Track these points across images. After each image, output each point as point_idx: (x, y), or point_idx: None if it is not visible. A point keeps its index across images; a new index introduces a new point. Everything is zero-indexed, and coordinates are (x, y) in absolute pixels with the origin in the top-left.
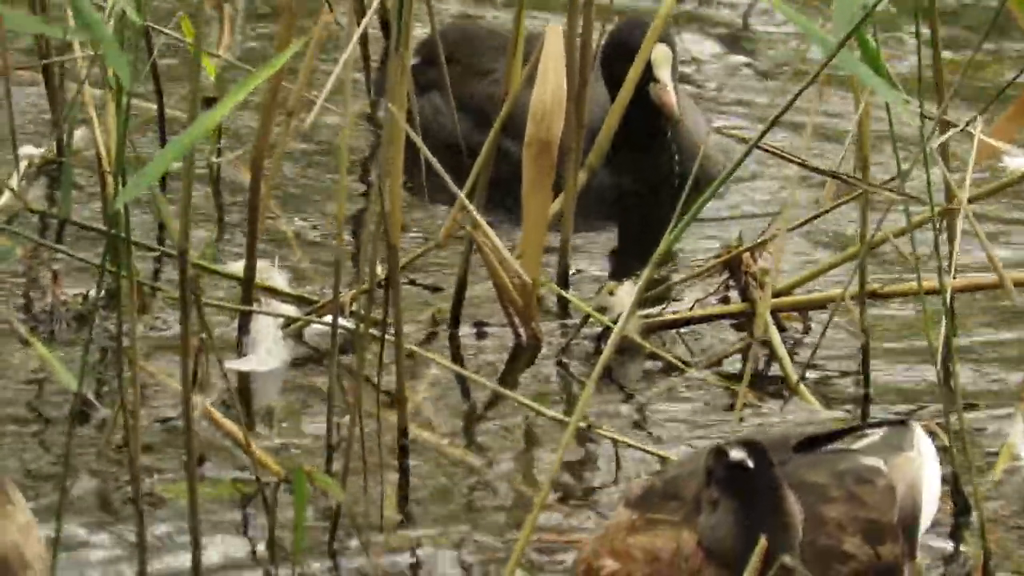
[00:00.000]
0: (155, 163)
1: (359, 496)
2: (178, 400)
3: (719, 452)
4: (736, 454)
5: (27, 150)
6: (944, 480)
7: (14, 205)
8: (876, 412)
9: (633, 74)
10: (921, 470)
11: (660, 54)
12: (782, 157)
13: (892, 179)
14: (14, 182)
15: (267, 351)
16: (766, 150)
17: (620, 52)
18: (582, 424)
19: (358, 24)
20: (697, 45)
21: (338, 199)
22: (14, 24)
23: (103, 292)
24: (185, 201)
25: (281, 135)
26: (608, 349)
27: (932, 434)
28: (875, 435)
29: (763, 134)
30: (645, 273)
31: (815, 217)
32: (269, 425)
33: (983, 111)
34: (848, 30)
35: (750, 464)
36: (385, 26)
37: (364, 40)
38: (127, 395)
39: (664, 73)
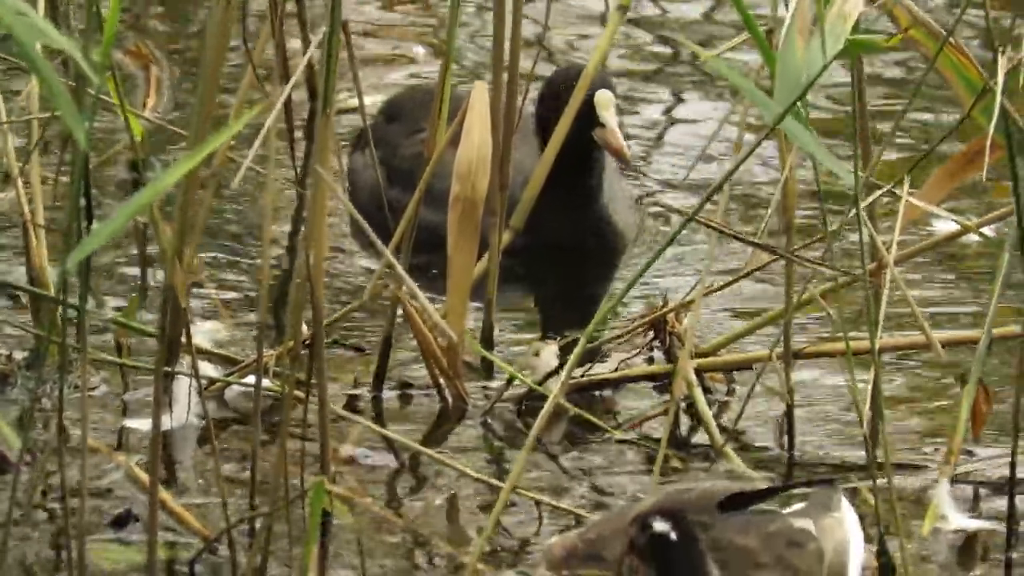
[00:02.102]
0: (92, 238)
1: (283, 558)
2: (101, 460)
3: (642, 522)
4: (659, 526)
5: None
6: (870, 541)
7: None
8: (801, 474)
9: (566, 119)
10: (847, 532)
11: (604, 97)
12: (710, 227)
13: (820, 238)
14: None
15: (184, 410)
16: (699, 222)
17: (560, 96)
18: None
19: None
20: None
21: (263, 260)
22: None
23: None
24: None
25: (204, 197)
26: (541, 418)
27: (857, 495)
28: (802, 495)
29: (700, 207)
30: (578, 347)
31: (735, 281)
32: (189, 486)
33: (910, 171)
34: (790, 99)
35: (673, 537)
36: (311, 89)
37: (288, 105)
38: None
39: (609, 116)
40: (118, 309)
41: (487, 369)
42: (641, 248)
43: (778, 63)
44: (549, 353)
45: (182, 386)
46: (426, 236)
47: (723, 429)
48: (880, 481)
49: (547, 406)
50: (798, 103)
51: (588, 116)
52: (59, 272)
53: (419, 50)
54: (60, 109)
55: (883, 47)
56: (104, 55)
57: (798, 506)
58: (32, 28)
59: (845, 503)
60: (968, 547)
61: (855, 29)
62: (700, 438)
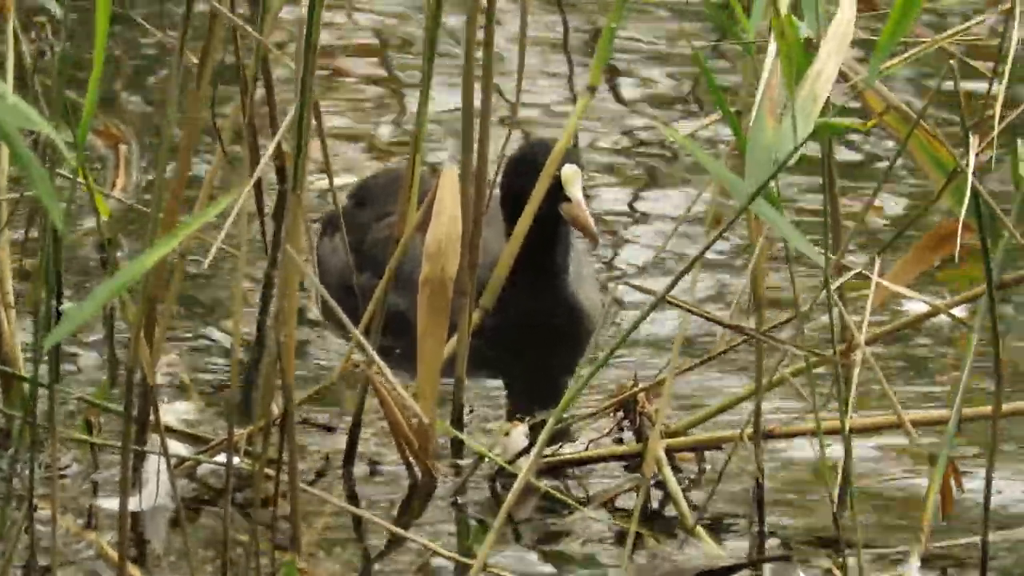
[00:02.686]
0: (68, 321)
1: None
2: (71, 540)
3: None
4: None
5: None
6: None
7: None
8: (771, 550)
9: (536, 193)
10: None
11: (570, 172)
12: (680, 307)
13: (790, 319)
14: None
15: (154, 489)
16: (669, 302)
17: (525, 171)
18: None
19: (252, 169)
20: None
21: (234, 338)
22: None
23: None
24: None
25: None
26: (509, 499)
27: (827, 573)
28: (762, 573)
29: (670, 287)
30: (547, 426)
31: (706, 361)
32: (161, 564)
33: (881, 252)
34: (761, 180)
35: None
36: (280, 171)
37: (259, 185)
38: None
39: (576, 190)
40: (88, 388)
41: (457, 448)
42: (609, 327)
43: (748, 143)
44: (519, 433)
45: (152, 465)
46: (393, 320)
47: (694, 507)
48: (850, 560)
49: (517, 484)
50: (770, 183)
51: (555, 191)
52: (33, 353)
53: (382, 131)
54: (38, 191)
55: (854, 128)
56: (81, 138)
57: None
58: (12, 110)
59: None
60: None
61: (826, 111)
62: (671, 514)
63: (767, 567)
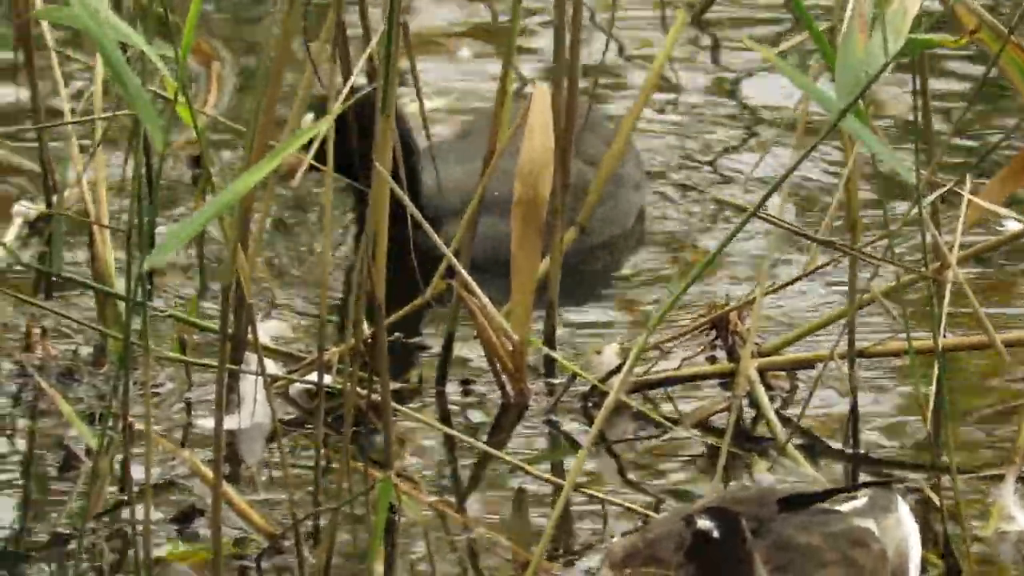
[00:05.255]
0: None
1: (346, 555)
2: (166, 458)
3: (688, 519)
4: (702, 523)
5: (21, 206)
6: (935, 543)
7: (7, 260)
8: (865, 473)
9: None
10: (907, 533)
11: None
12: (773, 222)
13: (882, 236)
14: (7, 237)
15: (251, 408)
16: (762, 218)
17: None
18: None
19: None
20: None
21: (324, 257)
22: None
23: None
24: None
25: (265, 195)
26: (601, 415)
27: (921, 494)
28: (862, 496)
29: (762, 202)
30: (638, 344)
31: (798, 279)
32: (255, 483)
33: (975, 167)
34: (852, 95)
35: (715, 534)
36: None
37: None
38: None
39: None
40: (181, 305)
41: (549, 368)
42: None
43: (838, 60)
44: (611, 352)
45: (247, 384)
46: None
47: (786, 426)
48: (944, 481)
49: (608, 402)
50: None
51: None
52: (137, 271)
53: (464, 52)
54: (138, 111)
55: (944, 44)
56: (183, 57)
57: (857, 505)
58: (109, 25)
59: (903, 504)
60: None
61: (917, 26)
62: (763, 434)
63: (865, 489)
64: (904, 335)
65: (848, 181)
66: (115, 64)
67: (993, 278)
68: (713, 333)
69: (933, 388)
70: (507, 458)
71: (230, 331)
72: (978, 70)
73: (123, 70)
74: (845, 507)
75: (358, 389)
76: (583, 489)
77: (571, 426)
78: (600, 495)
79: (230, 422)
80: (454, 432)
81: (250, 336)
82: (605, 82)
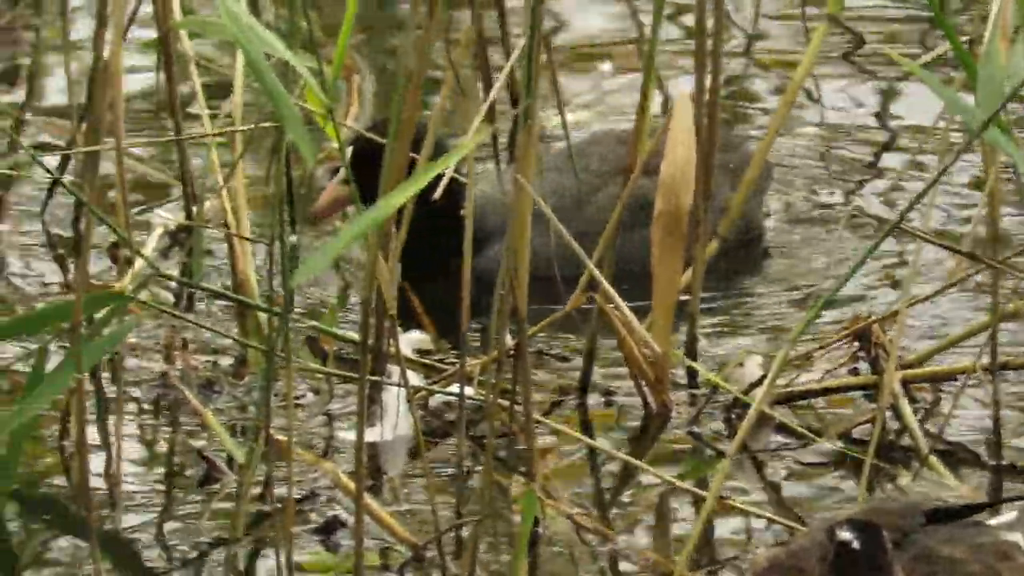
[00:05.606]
0: (318, 257)
1: (489, 566)
2: (308, 470)
3: (830, 531)
4: (844, 535)
5: (161, 216)
6: None
7: (147, 271)
8: (1010, 485)
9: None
10: None
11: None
12: (916, 235)
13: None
14: (148, 248)
15: (394, 420)
16: (904, 229)
17: None
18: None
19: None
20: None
21: (464, 271)
22: None
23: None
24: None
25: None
26: (744, 426)
27: None
28: (1010, 510)
29: (905, 211)
30: (780, 356)
31: (942, 291)
32: (398, 494)
33: None
34: (994, 106)
35: (857, 546)
36: (514, 102)
37: (492, 111)
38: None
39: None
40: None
41: (691, 379)
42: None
43: (980, 69)
44: (753, 363)
45: (389, 396)
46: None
47: (929, 439)
48: None
49: (751, 413)
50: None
51: None
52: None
53: (606, 67)
54: (286, 125)
55: None
56: (335, 75)
57: (1005, 519)
58: (254, 35)
59: None
60: None
61: None
62: (907, 445)
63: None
64: None
65: (990, 193)
66: (264, 76)
67: None
68: (856, 345)
69: None
70: (649, 469)
71: (371, 343)
72: None
73: (272, 82)
74: (992, 521)
75: (500, 401)
76: (725, 500)
77: (713, 437)
78: (742, 506)
79: (372, 434)
80: (596, 444)
81: (392, 348)
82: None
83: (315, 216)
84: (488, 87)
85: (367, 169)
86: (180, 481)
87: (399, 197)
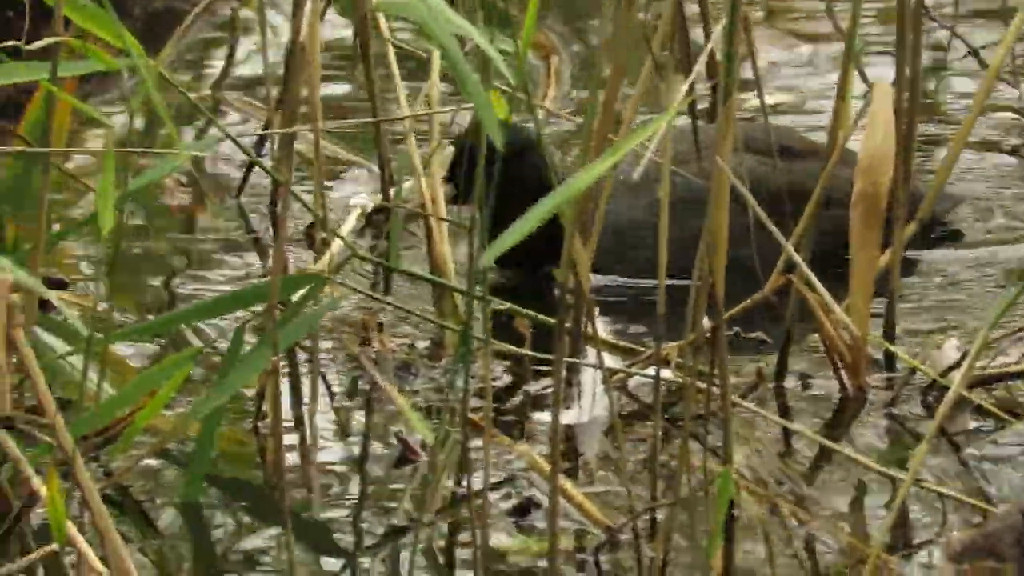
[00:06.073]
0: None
1: (683, 549)
2: (504, 451)
3: (1021, 512)
4: None
5: (358, 199)
6: None
7: (345, 254)
8: None
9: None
10: None
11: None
12: None
13: None
14: (345, 230)
15: (590, 402)
16: None
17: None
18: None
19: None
20: None
21: (660, 250)
22: None
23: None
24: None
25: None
26: (942, 409)
27: None
28: None
29: None
30: (979, 339)
31: None
32: (593, 476)
33: None
34: None
35: None
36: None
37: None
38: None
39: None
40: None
41: (889, 362)
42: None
43: None
44: (950, 346)
45: (585, 378)
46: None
47: None
48: None
49: (949, 396)
50: None
51: None
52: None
53: (804, 50)
54: (475, 106)
55: None
56: (523, 53)
57: None
58: (443, 17)
59: None
60: None
61: None
62: None
63: None
64: None
65: None
66: (453, 58)
67: None
68: None
69: None
70: (846, 452)
71: (567, 325)
72: None
73: (461, 65)
74: None
75: (697, 383)
76: (922, 483)
77: (910, 420)
78: (939, 489)
79: (568, 416)
80: (793, 426)
81: (589, 330)
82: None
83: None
84: (688, 67)
85: (470, 167)
86: (375, 464)
87: (589, 175)
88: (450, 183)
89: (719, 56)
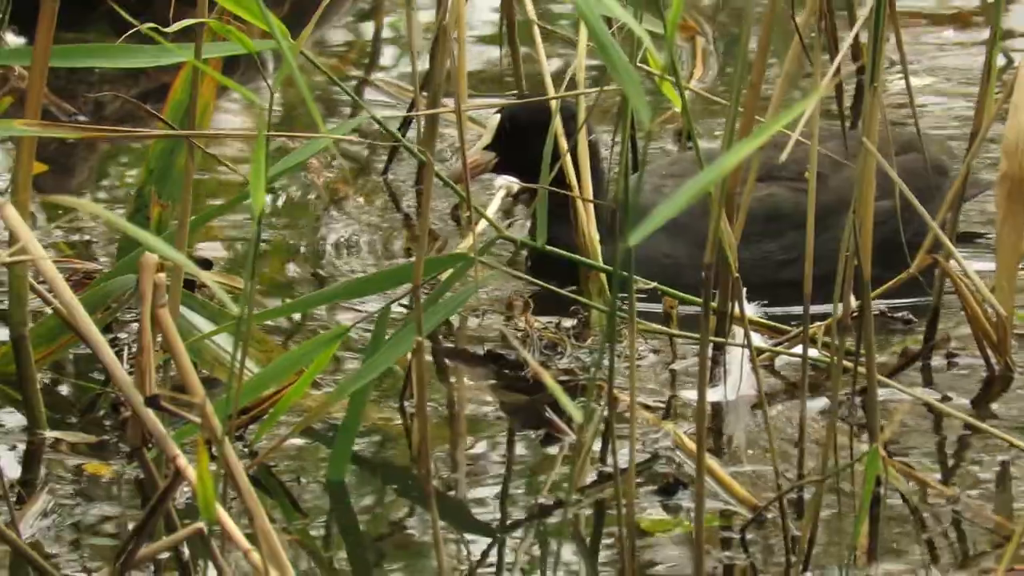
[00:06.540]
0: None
1: (830, 528)
2: (650, 430)
3: None
4: None
5: (504, 179)
6: None
7: (491, 233)
8: None
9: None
10: None
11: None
12: None
13: None
14: (491, 210)
15: (736, 381)
16: None
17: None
18: None
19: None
20: None
21: (808, 244)
22: None
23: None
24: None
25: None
26: None
27: None
28: None
29: None
30: None
31: None
32: (739, 455)
33: None
34: None
35: None
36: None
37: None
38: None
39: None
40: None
41: None
42: None
43: None
44: None
45: (733, 356)
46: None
47: None
48: None
49: None
50: None
51: None
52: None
53: (948, 33)
54: (624, 87)
55: None
56: (671, 35)
57: None
58: (595, 1)
59: None
60: None
61: None
62: None
63: None
64: None
65: None
66: (601, 39)
67: None
68: None
69: None
70: (992, 430)
71: (714, 304)
72: None
73: (609, 45)
74: None
75: (844, 362)
76: None
77: None
78: None
79: (714, 394)
80: (939, 404)
81: (737, 310)
82: None
83: (454, 179)
84: (833, 51)
85: (514, 139)
86: (520, 442)
87: (735, 156)
88: (491, 151)
89: (864, 39)
